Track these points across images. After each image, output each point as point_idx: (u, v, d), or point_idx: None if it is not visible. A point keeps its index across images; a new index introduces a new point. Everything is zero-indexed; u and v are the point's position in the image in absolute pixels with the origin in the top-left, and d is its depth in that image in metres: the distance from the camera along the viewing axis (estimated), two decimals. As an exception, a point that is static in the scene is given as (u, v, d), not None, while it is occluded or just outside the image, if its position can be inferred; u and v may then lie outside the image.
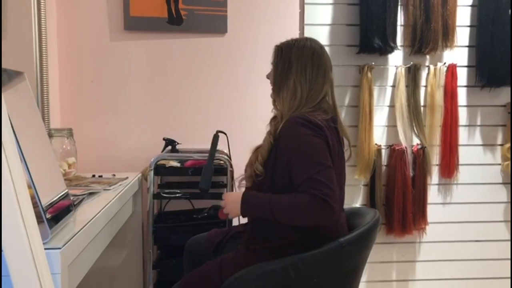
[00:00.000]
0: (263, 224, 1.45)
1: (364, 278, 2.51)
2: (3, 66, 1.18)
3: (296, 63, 1.49)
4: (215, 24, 2.38)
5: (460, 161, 2.53)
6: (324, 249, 1.40)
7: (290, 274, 1.37)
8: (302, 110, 1.45)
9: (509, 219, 2.59)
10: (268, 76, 1.62)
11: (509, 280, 2.60)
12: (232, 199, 1.49)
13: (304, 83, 1.48)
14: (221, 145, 2.03)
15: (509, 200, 2.59)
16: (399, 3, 2.41)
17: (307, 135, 1.38)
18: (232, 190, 2.12)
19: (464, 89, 2.53)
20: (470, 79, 2.52)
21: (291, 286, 1.40)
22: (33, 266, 0.65)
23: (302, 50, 1.51)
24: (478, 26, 2.46)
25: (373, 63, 2.42)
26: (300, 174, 1.34)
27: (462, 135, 2.53)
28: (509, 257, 2.60)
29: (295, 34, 2.42)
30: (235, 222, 2.11)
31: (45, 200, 1.15)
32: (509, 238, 2.60)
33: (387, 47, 2.37)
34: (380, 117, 2.50)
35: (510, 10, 2.41)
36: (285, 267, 1.38)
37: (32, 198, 1.07)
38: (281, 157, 1.42)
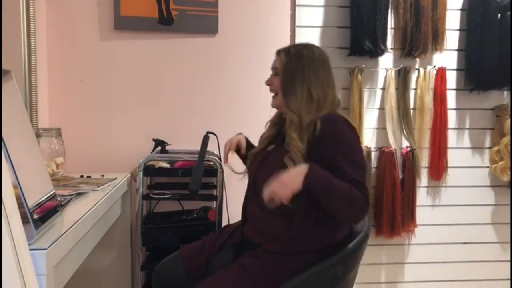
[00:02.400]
0: (307, 227, 1.43)
1: (353, 280, 2.52)
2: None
3: (309, 67, 1.51)
4: (206, 25, 2.37)
5: (449, 164, 2.54)
6: (359, 240, 1.49)
7: (338, 270, 1.44)
8: (322, 113, 1.47)
9: (498, 221, 2.61)
10: (269, 83, 1.59)
11: (497, 281, 2.62)
12: (288, 176, 1.32)
13: (319, 88, 1.50)
14: (211, 146, 2.02)
15: (508, 203, 2.60)
16: (390, 6, 2.42)
17: (352, 136, 1.44)
18: (223, 192, 2.12)
19: (453, 92, 2.55)
20: (459, 82, 2.54)
21: (334, 283, 1.47)
22: (15, 266, 0.64)
23: (313, 55, 1.53)
24: (467, 30, 2.48)
25: (363, 66, 2.43)
26: (349, 173, 1.35)
27: (451, 138, 2.55)
28: (496, 259, 2.63)
29: (286, 36, 2.43)
30: (224, 223, 2.10)
31: (31, 201, 1.14)
32: (496, 240, 2.62)
33: (377, 50, 2.38)
34: (370, 120, 2.51)
35: (510, 13, 2.42)
36: (335, 265, 1.43)
37: (18, 198, 1.06)
38: (320, 153, 1.40)
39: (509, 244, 2.61)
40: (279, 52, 1.57)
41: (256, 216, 1.56)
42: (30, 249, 1.04)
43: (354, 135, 1.45)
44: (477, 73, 2.47)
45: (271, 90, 1.60)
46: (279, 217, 1.47)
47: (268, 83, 1.60)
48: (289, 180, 1.32)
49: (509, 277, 2.59)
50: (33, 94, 2.10)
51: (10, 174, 1.05)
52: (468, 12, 2.46)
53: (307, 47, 1.56)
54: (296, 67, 1.52)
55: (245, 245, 1.57)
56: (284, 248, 1.43)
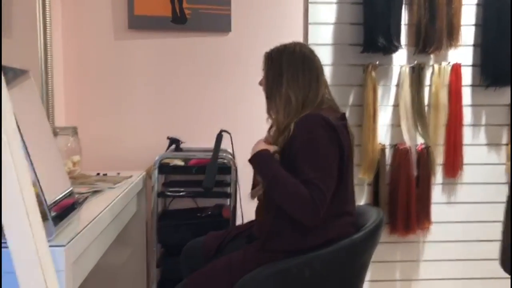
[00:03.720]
0: (284, 226, 1.45)
1: (367, 277, 2.49)
2: (8, 64, 1.19)
3: (287, 70, 1.50)
4: (219, 23, 2.38)
5: (464, 161, 2.52)
6: (339, 247, 1.41)
7: (305, 272, 1.38)
8: (302, 114, 1.46)
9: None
10: (260, 83, 1.61)
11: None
12: (256, 146, 1.52)
13: (298, 91, 1.49)
14: (225, 144, 2.03)
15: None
16: (404, 2, 2.40)
17: (321, 137, 1.40)
18: (236, 189, 2.13)
19: (469, 88, 2.52)
20: (474, 78, 2.51)
21: (305, 285, 1.41)
22: (37, 263, 0.65)
23: (292, 56, 1.52)
24: (483, 25, 2.45)
25: (377, 62, 2.41)
26: (304, 173, 1.36)
27: (467, 134, 2.52)
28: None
29: (299, 33, 2.43)
30: (238, 221, 2.11)
31: (49, 198, 1.16)
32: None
33: (391, 46, 2.37)
34: (384, 117, 2.49)
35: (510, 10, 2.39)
36: (300, 266, 1.38)
37: (37, 196, 1.08)
38: (289, 153, 1.44)
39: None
40: (264, 55, 1.59)
41: (257, 211, 1.65)
42: (49, 246, 1.06)
43: (325, 136, 1.40)
44: (493, 69, 2.43)
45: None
46: (265, 214, 1.53)
47: (259, 83, 1.62)
48: (252, 149, 1.50)
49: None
50: (50, 93, 2.13)
51: (29, 172, 1.06)
52: (484, 7, 2.43)
53: (288, 48, 1.55)
54: (274, 72, 1.53)
55: (253, 238, 1.62)
56: (262, 245, 1.48)
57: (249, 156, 1.52)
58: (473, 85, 2.52)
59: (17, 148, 0.74)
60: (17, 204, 0.66)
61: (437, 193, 2.55)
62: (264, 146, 1.50)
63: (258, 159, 1.47)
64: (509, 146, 2.52)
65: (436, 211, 2.53)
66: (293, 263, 1.39)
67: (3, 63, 1.10)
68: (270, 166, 1.44)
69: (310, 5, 2.42)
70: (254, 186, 1.69)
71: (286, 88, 1.49)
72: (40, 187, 1.10)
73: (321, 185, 1.34)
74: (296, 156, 1.40)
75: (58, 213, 1.19)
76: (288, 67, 1.51)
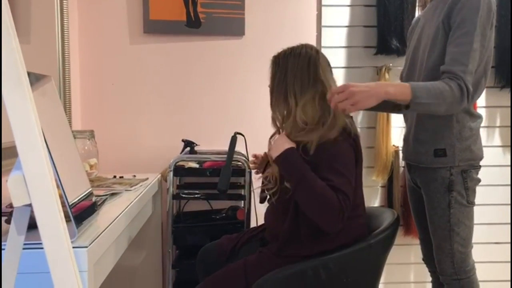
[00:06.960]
0: (298, 233, 1.46)
1: (382, 279, 2.49)
2: (28, 69, 1.21)
3: (292, 72, 1.49)
4: (233, 27, 2.40)
5: (479, 163, 2.50)
6: (355, 249, 1.43)
7: (321, 275, 1.40)
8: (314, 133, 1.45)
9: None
10: (269, 87, 1.60)
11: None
12: (279, 142, 1.46)
13: (308, 108, 1.48)
14: (239, 147, 2.05)
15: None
16: (417, 4, 2.40)
17: (336, 144, 1.42)
18: (250, 192, 2.14)
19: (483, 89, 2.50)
20: (489, 79, 2.48)
21: (321, 287, 1.42)
22: (70, 262, 0.67)
23: (298, 58, 1.50)
24: (497, 27, 2.43)
25: (390, 64, 2.41)
26: (327, 179, 1.36)
27: (481, 136, 2.50)
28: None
29: (313, 36, 2.44)
30: (252, 223, 2.12)
31: (70, 199, 1.18)
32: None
33: (404, 48, 2.36)
34: (397, 118, 2.49)
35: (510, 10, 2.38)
36: (316, 268, 1.40)
37: (60, 197, 1.10)
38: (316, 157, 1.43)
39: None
40: (272, 60, 1.57)
41: (268, 215, 1.65)
42: (72, 247, 1.08)
43: (343, 145, 1.42)
44: (508, 70, 2.42)
45: None
46: (281, 219, 1.51)
47: (269, 86, 1.59)
48: (274, 147, 1.46)
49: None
50: (67, 98, 2.17)
51: (53, 174, 1.09)
52: (498, 9, 2.41)
53: (294, 50, 1.53)
54: (280, 75, 1.51)
55: (267, 242, 1.63)
56: (278, 250, 1.48)
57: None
58: (487, 87, 2.49)
59: (44, 148, 0.77)
60: (51, 204, 0.69)
61: (451, 195, 2.53)
62: (288, 142, 1.45)
63: (286, 156, 1.42)
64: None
65: (451, 213, 2.51)
66: (309, 265, 1.41)
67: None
68: (299, 165, 1.40)
69: (323, 8, 2.43)
70: (263, 191, 1.69)
71: (291, 104, 1.49)
72: (63, 189, 1.13)
73: (346, 191, 1.35)
74: (317, 164, 1.40)
75: (78, 214, 1.21)
76: (294, 69, 1.50)
